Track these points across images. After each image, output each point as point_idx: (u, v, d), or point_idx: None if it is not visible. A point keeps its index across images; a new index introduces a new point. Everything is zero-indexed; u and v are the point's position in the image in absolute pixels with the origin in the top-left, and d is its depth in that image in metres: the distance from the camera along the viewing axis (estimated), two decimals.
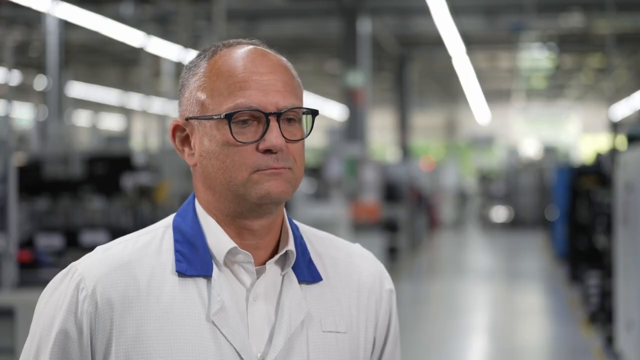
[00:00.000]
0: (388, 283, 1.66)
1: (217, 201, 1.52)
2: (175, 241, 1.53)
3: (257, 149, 1.48)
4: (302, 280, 1.56)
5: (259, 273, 1.53)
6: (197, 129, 1.53)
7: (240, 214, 1.51)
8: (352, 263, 1.63)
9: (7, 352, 5.14)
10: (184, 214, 1.56)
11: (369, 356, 1.61)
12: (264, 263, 1.54)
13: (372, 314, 1.61)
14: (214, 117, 1.49)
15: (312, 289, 1.57)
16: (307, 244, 1.60)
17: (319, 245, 1.63)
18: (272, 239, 1.55)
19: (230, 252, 1.51)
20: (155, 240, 1.54)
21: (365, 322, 1.60)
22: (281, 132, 1.49)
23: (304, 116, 1.54)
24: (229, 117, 1.48)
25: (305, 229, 1.64)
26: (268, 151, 1.48)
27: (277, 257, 1.54)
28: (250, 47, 1.55)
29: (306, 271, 1.57)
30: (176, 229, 1.55)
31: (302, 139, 1.53)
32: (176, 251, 1.52)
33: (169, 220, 1.58)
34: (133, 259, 1.51)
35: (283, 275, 1.55)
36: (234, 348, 1.48)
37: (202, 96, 1.52)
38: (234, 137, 1.48)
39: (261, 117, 1.49)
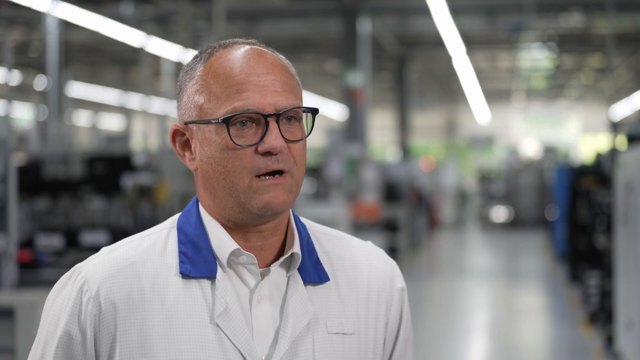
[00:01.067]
0: (399, 281, 1.63)
1: (219, 207, 1.51)
2: (179, 242, 1.52)
3: (256, 151, 1.46)
4: (308, 281, 1.54)
5: (263, 275, 1.51)
6: (196, 133, 1.51)
7: (241, 220, 1.50)
8: (361, 262, 1.61)
9: (7, 352, 5.14)
10: (188, 215, 1.55)
11: (380, 356, 1.59)
12: (270, 264, 1.52)
13: (382, 313, 1.59)
14: (212, 121, 1.48)
15: (318, 290, 1.55)
16: (315, 243, 1.58)
17: (327, 244, 1.61)
18: (277, 240, 1.54)
19: (234, 254, 1.50)
20: (160, 241, 1.53)
21: (375, 321, 1.58)
22: (281, 132, 1.47)
23: (304, 115, 1.52)
24: (226, 121, 1.46)
25: (313, 227, 1.62)
26: (268, 153, 1.46)
27: (282, 259, 1.52)
28: (247, 47, 1.52)
29: (312, 272, 1.55)
30: (180, 229, 1.53)
31: (303, 138, 1.51)
32: (180, 252, 1.51)
33: (173, 220, 1.56)
34: (137, 260, 1.50)
35: (288, 277, 1.53)
36: (238, 350, 1.46)
37: (199, 100, 1.50)
38: (232, 141, 1.46)
39: (260, 119, 1.47)
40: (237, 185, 1.47)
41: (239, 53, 1.51)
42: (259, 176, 1.47)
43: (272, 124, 1.47)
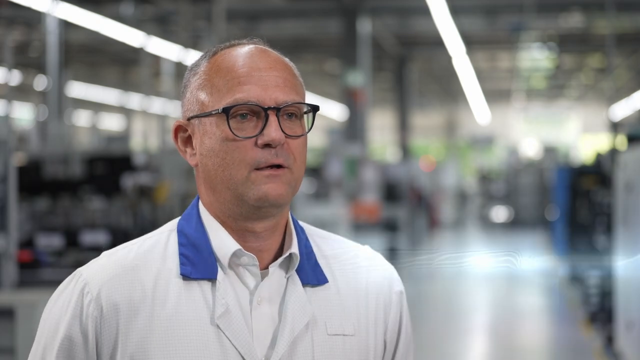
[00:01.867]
0: (398, 285, 1.63)
1: (218, 202, 1.51)
2: (180, 244, 1.52)
3: (256, 144, 1.47)
4: (306, 283, 1.54)
5: (262, 276, 1.52)
6: (198, 128, 1.52)
7: (240, 215, 1.50)
8: (359, 265, 1.61)
9: (7, 352, 5.14)
10: (188, 217, 1.55)
11: (380, 359, 1.59)
12: (268, 266, 1.53)
13: (381, 317, 1.59)
14: (213, 112, 1.48)
15: (317, 292, 1.55)
16: (314, 246, 1.59)
17: (326, 247, 1.61)
18: (275, 242, 1.54)
19: (235, 255, 1.50)
20: (160, 244, 1.53)
21: (375, 324, 1.58)
22: (281, 127, 1.47)
23: (305, 115, 1.53)
24: (227, 111, 1.47)
25: (311, 231, 1.62)
26: (267, 146, 1.47)
27: (280, 260, 1.52)
28: (251, 45, 1.54)
29: (311, 274, 1.55)
30: (180, 232, 1.54)
31: (303, 135, 1.51)
32: (180, 254, 1.51)
33: (173, 223, 1.57)
34: (138, 263, 1.50)
35: (287, 278, 1.53)
36: (238, 351, 1.46)
37: (202, 95, 1.51)
38: (232, 132, 1.47)
39: (260, 112, 1.48)
40: (235, 177, 1.47)
41: (243, 50, 1.53)
42: (257, 169, 1.47)
43: (272, 117, 1.47)
